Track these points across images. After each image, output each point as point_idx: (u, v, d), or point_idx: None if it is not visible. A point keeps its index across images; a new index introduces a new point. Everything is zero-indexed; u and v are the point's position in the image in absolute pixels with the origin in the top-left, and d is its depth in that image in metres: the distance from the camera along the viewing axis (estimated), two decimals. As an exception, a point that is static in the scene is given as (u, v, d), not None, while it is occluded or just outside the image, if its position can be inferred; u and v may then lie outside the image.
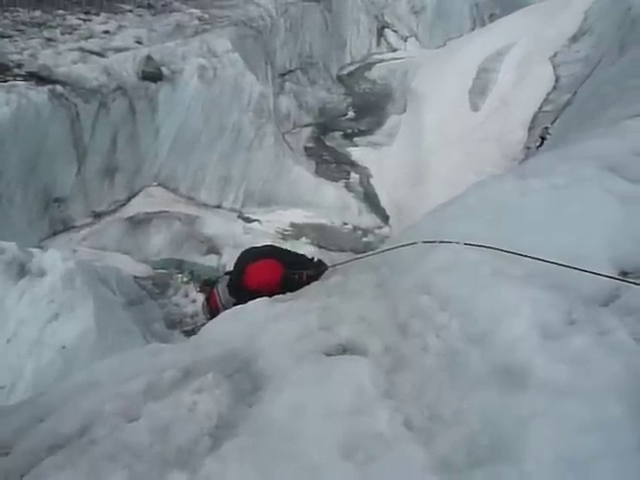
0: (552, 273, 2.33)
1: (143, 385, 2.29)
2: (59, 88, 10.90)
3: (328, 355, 2.33)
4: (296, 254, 4.23)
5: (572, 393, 1.76)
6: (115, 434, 2.01)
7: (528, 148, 13.32)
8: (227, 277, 4.05)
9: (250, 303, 3.20)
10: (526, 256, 2.42)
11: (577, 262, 2.34)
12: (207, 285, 4.34)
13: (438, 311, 2.36)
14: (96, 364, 3.10)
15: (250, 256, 3.93)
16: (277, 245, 4.25)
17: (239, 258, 3.97)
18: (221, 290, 3.99)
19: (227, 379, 2.27)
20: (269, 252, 4.02)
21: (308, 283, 3.83)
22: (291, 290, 3.67)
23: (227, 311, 3.38)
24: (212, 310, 3.99)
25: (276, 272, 3.74)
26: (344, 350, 2.36)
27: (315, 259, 4.25)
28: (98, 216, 11.86)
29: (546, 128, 13.00)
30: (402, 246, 3.18)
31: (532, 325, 2.05)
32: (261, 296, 3.39)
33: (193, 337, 3.24)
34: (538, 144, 12.44)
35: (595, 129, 5.08)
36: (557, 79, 15.02)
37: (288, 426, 1.91)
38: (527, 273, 2.37)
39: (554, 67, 15.49)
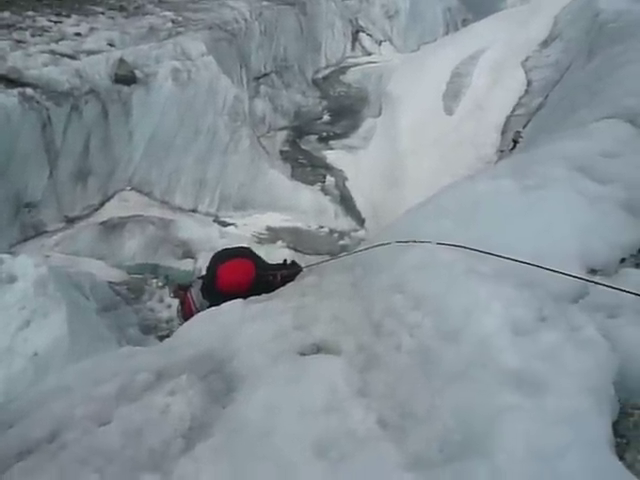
0: (523, 271, 2.37)
1: (115, 388, 2.26)
2: (29, 91, 10.67)
3: (302, 355, 2.33)
4: (268, 261, 4.20)
5: (543, 388, 1.79)
6: (86, 438, 1.98)
7: (502, 151, 13.48)
8: (200, 281, 4.00)
9: (225, 304, 3.17)
10: (497, 255, 2.45)
11: (548, 260, 2.38)
12: (181, 289, 4.29)
13: (411, 310, 2.38)
14: (68, 368, 3.06)
15: (222, 257, 3.88)
16: (250, 248, 4.20)
17: (211, 260, 3.92)
18: (195, 294, 3.93)
19: (201, 380, 2.25)
20: (241, 253, 3.99)
21: (283, 284, 3.81)
22: (265, 291, 3.63)
23: (201, 313, 3.34)
24: (186, 315, 3.93)
25: (248, 271, 3.69)
26: (318, 349, 2.36)
27: (289, 261, 4.23)
28: (71, 221, 11.62)
29: (518, 132, 13.17)
30: (376, 246, 3.20)
31: (503, 322, 2.08)
32: (234, 297, 3.35)
33: (167, 339, 3.21)
34: (511, 147, 12.61)
35: (565, 131, 5.18)
36: (529, 83, 15.23)
37: (262, 425, 1.90)
38: (498, 271, 2.41)
39: (526, 71, 15.71)
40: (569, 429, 1.63)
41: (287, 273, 3.89)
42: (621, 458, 1.61)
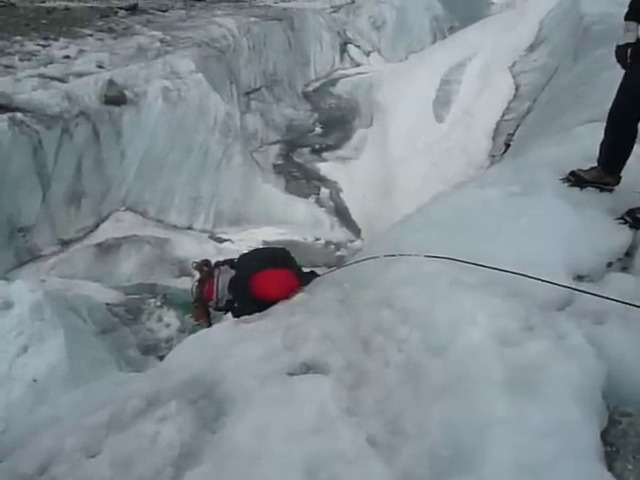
0: (509, 280, 2.36)
1: (105, 417, 2.25)
2: (19, 115, 10.72)
3: (292, 375, 2.32)
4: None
5: (530, 398, 1.78)
6: (76, 471, 1.96)
7: (493, 156, 13.54)
8: (231, 270, 3.86)
9: (215, 326, 3.18)
10: (482, 265, 2.45)
11: (533, 268, 2.38)
12: (206, 266, 4.11)
13: (399, 324, 2.37)
14: (61, 398, 3.04)
15: (265, 260, 3.77)
16: (289, 252, 4.04)
17: (250, 256, 3.87)
18: (221, 281, 3.81)
19: (191, 406, 2.23)
20: (283, 259, 3.88)
21: None
22: None
23: (192, 336, 3.32)
24: (202, 296, 3.88)
25: (291, 286, 3.63)
26: (307, 369, 2.35)
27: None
28: (66, 244, 11.62)
29: (510, 135, 13.24)
30: (365, 260, 3.20)
31: (490, 333, 2.07)
32: (265, 303, 3.39)
33: (159, 363, 3.20)
34: (503, 151, 12.67)
35: (551, 136, 5.20)
36: (517, 88, 15.36)
37: (251, 450, 1.89)
38: (484, 281, 2.40)
39: (513, 76, 15.86)
40: (557, 440, 1.62)
41: (307, 279, 3.84)
42: (610, 467, 1.61)
